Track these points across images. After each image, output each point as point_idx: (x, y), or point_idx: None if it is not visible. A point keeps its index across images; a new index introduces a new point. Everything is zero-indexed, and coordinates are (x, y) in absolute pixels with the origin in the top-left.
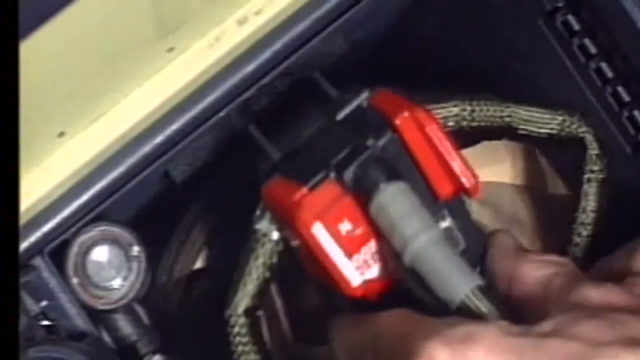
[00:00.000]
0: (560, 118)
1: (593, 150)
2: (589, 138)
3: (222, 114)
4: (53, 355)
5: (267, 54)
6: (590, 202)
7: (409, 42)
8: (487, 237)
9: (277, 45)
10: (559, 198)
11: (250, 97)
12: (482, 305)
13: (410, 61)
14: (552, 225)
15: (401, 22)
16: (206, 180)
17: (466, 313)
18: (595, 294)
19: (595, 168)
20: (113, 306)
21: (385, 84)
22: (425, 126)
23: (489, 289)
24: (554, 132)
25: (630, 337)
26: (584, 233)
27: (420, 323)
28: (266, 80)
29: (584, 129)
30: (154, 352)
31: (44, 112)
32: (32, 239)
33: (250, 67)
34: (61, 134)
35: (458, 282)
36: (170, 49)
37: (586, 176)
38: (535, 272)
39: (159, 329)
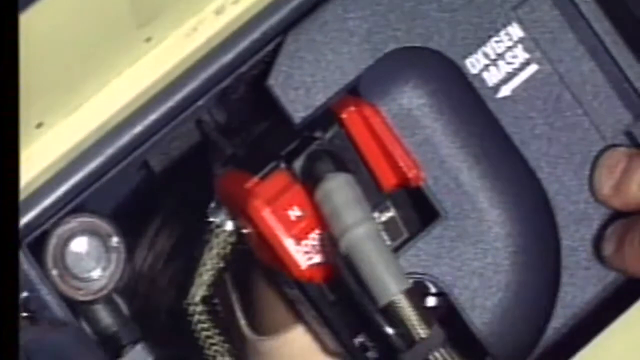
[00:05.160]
0: None
1: None
2: None
3: (200, 102)
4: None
5: (245, 43)
6: None
7: None
8: None
9: (256, 34)
10: None
11: (228, 86)
12: (408, 311)
13: None
14: None
15: None
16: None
17: (390, 314)
18: None
19: None
20: (93, 297)
21: None
22: (370, 120)
23: (416, 294)
24: None
25: None
26: None
27: None
28: (244, 68)
29: None
30: (135, 342)
31: (22, 103)
32: None
33: (228, 57)
34: (39, 125)
35: (389, 283)
36: (148, 39)
37: None
38: None
39: (139, 318)
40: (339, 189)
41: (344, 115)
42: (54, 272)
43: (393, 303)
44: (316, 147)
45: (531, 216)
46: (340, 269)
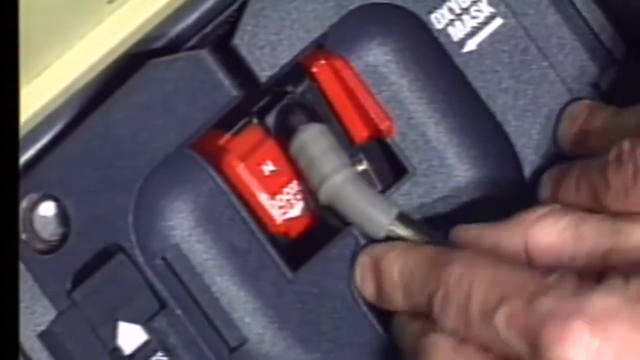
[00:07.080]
0: None
1: None
2: None
3: None
4: None
5: (209, 3)
6: None
7: None
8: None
9: None
10: None
11: (193, 47)
12: (408, 231)
13: None
14: None
15: None
16: None
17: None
18: None
19: None
20: None
21: None
22: (341, 72)
23: (405, 215)
24: None
25: None
26: None
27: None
28: (208, 29)
29: None
30: None
31: None
32: None
33: (192, 17)
34: None
35: (379, 216)
36: (111, 0)
37: None
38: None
39: None
40: (313, 140)
41: (314, 69)
42: (23, 237)
43: (391, 232)
44: (288, 100)
45: (499, 170)
46: (327, 219)
